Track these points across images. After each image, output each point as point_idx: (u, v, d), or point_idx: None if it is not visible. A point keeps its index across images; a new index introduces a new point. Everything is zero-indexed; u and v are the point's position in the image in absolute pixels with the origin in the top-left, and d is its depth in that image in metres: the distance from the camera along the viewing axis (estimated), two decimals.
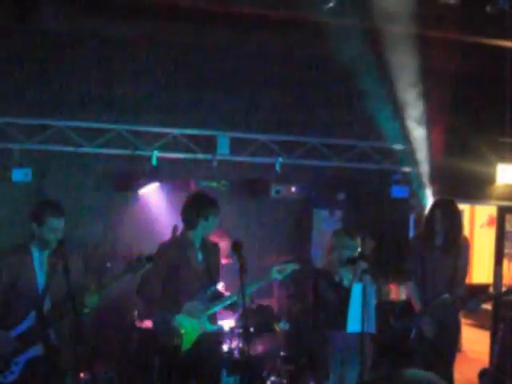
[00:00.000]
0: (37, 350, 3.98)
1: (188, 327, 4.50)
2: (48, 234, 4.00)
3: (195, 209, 4.65)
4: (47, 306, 4.03)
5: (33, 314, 3.97)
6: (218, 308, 4.68)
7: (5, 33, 6.44)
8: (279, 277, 4.66)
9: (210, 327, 4.60)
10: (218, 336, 4.92)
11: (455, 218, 5.17)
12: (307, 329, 6.19)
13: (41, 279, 4.06)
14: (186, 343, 4.51)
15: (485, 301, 5.20)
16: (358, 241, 4.81)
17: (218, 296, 4.73)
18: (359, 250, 4.78)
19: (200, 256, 4.69)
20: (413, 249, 5.35)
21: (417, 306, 5.14)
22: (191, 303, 4.53)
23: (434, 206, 5.33)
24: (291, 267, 4.67)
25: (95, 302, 4.04)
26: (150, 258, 4.07)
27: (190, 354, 4.51)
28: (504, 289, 5.31)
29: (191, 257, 4.65)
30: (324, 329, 4.79)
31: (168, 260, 4.58)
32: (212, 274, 4.69)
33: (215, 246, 4.87)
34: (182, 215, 4.72)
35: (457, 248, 5.17)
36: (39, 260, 4.09)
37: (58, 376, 4.12)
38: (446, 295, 5.02)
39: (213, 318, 4.66)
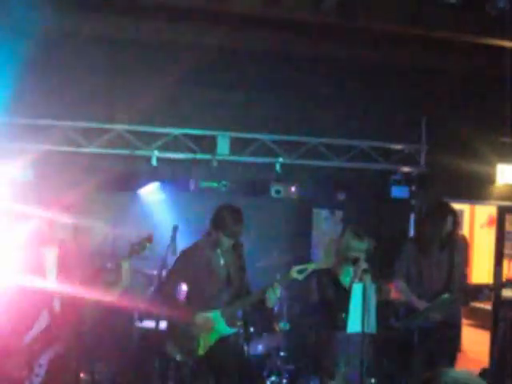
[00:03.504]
0: (55, 350, 4.02)
1: (206, 330, 4.52)
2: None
3: (214, 219, 4.66)
4: (57, 305, 4.05)
5: (45, 313, 4.00)
6: (235, 311, 4.68)
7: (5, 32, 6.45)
8: (300, 277, 4.60)
9: (227, 330, 4.61)
10: (239, 338, 4.89)
11: (450, 219, 5.16)
12: (307, 329, 6.18)
13: (50, 279, 4.10)
14: (204, 346, 4.53)
15: (485, 291, 5.17)
16: (366, 244, 4.76)
17: (237, 299, 4.71)
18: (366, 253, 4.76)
19: (222, 261, 4.70)
20: (405, 251, 5.33)
21: (419, 303, 5.13)
22: (208, 308, 4.55)
23: (429, 209, 5.34)
24: (311, 267, 4.63)
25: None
26: (149, 238, 4.12)
27: (208, 357, 4.54)
28: (504, 281, 5.31)
29: (212, 260, 4.66)
30: (326, 329, 4.78)
31: (189, 262, 4.62)
32: (232, 279, 4.69)
33: (240, 251, 4.84)
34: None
35: (452, 245, 5.18)
36: (47, 260, 4.11)
37: (73, 374, 4.15)
38: (446, 295, 5.02)
39: (232, 321, 4.67)
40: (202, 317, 4.52)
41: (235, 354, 4.71)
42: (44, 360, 3.98)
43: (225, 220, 4.57)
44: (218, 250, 4.68)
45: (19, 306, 4.02)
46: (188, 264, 4.63)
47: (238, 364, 4.67)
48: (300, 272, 4.60)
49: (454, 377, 2.02)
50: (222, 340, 4.59)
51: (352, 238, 4.75)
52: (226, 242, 4.63)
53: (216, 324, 4.55)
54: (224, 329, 4.59)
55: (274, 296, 4.54)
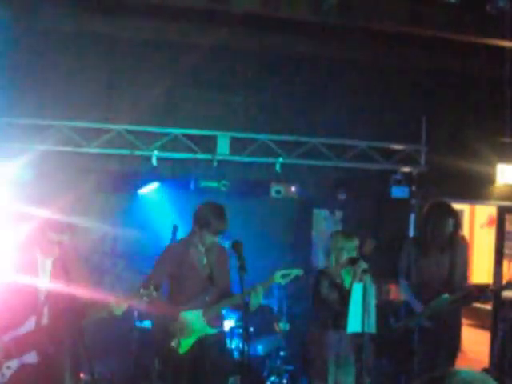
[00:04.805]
0: (32, 357, 3.88)
1: (185, 330, 4.50)
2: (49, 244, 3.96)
3: (197, 217, 4.62)
4: (46, 313, 3.95)
5: (32, 319, 3.88)
6: (217, 311, 4.65)
7: (5, 32, 6.46)
8: (283, 281, 4.60)
9: (208, 330, 4.59)
10: (221, 338, 4.86)
11: (451, 220, 5.16)
12: (306, 329, 6.19)
13: (43, 284, 3.97)
14: (184, 346, 4.51)
15: (484, 293, 5.17)
16: (356, 242, 4.79)
17: (220, 299, 4.66)
18: (356, 251, 4.77)
19: (204, 260, 4.67)
20: (406, 250, 5.33)
21: (416, 305, 5.14)
22: (189, 307, 4.53)
23: (430, 209, 5.33)
24: (295, 273, 4.62)
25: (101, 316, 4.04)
26: (157, 288, 4.02)
27: (188, 357, 4.51)
28: (504, 283, 5.30)
29: (194, 259, 4.63)
30: (321, 329, 4.77)
31: (170, 259, 4.59)
32: (215, 278, 4.65)
33: (222, 250, 4.81)
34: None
35: (453, 246, 5.18)
36: (42, 263, 4.05)
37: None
38: (446, 295, 5.02)
39: (213, 321, 4.64)
40: (182, 316, 4.50)
41: (215, 355, 4.61)
42: (14, 364, 3.84)
43: (207, 217, 4.52)
44: (202, 249, 4.63)
45: (7, 303, 3.91)
46: (170, 259, 4.59)
47: (218, 365, 4.59)
48: (283, 276, 4.59)
49: (464, 378, 1.96)
50: (202, 340, 4.54)
51: (340, 238, 4.78)
52: (210, 239, 4.57)
53: (196, 324, 4.53)
54: (204, 329, 4.56)
55: (257, 299, 4.50)
